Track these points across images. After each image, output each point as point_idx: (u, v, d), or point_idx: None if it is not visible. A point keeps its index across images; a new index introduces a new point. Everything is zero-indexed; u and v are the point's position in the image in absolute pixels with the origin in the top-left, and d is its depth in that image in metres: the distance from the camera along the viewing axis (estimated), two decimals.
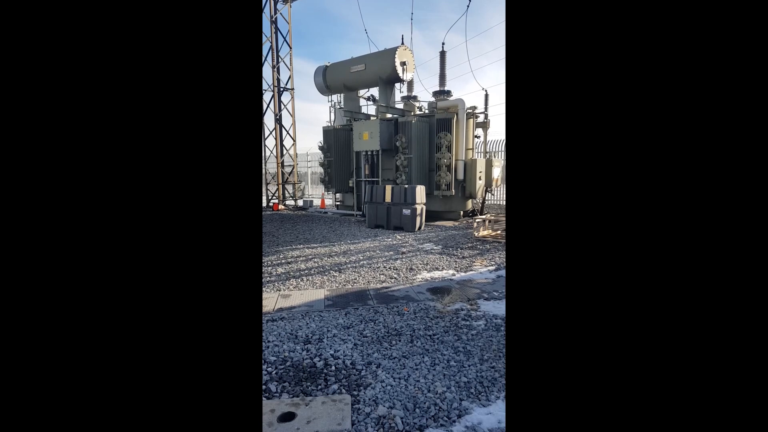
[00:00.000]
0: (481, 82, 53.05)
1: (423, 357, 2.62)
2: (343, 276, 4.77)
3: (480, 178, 9.79)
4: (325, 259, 5.71)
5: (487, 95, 10.65)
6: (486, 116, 10.45)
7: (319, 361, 2.57)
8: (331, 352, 2.71)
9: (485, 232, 7.54)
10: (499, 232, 7.82)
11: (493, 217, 8.19)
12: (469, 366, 2.51)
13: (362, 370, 2.46)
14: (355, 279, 4.64)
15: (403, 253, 6.09)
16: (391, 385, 2.27)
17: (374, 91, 11.79)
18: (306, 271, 5.00)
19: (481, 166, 9.80)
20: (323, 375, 2.40)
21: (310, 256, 5.88)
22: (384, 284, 4.44)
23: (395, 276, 4.77)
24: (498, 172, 10.39)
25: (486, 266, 5.24)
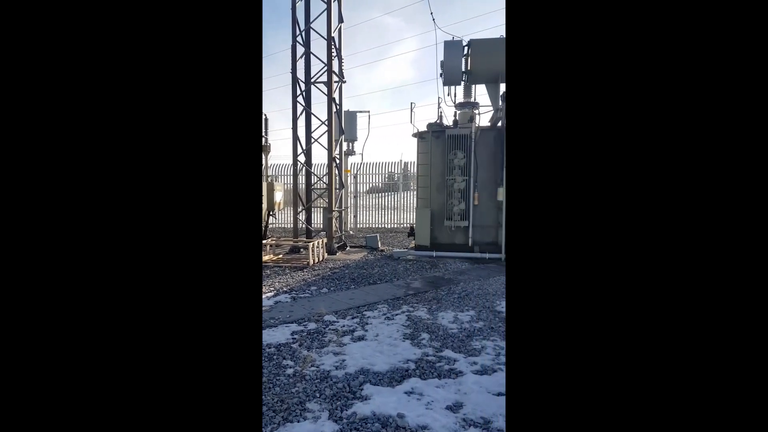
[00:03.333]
0: (262, 107, 53.37)
1: None
2: None
3: (262, 202, 9.64)
4: None
5: (266, 119, 10.68)
6: (266, 140, 10.45)
7: None
8: None
9: (266, 258, 7.42)
10: (280, 255, 7.83)
11: (274, 241, 8.15)
12: None
13: None
14: None
15: None
16: None
17: None
18: None
19: (263, 189, 9.67)
20: None
21: None
22: None
23: None
24: (280, 195, 10.47)
25: (265, 293, 5.12)
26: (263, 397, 2.46)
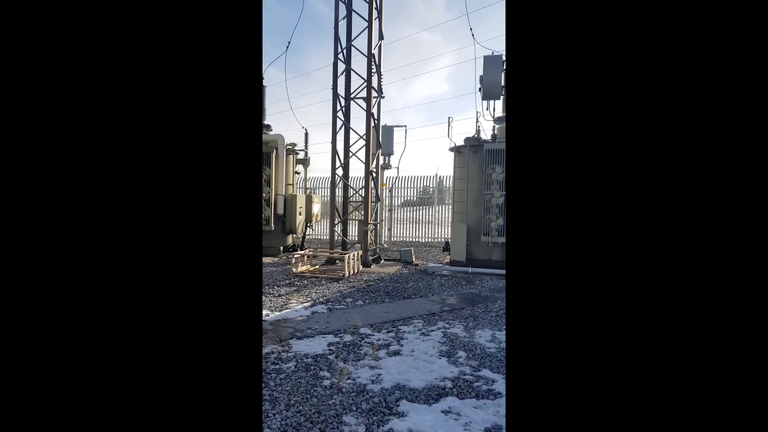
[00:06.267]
0: (303, 121, 54.73)
1: None
2: None
3: (300, 214, 9.88)
4: None
5: (306, 133, 11.02)
6: (306, 153, 10.76)
7: None
8: None
9: (303, 268, 7.57)
10: (317, 267, 7.96)
11: (311, 252, 8.31)
12: (273, 415, 2.37)
13: None
14: None
15: None
16: None
17: None
18: None
19: (301, 201, 9.92)
20: None
21: None
22: None
23: None
24: (317, 207, 10.70)
25: (302, 303, 5.21)
26: (301, 407, 2.49)
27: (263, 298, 5.41)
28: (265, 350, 3.46)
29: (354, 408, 2.51)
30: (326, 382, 2.86)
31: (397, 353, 3.49)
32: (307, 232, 11.23)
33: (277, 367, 3.11)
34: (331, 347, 3.59)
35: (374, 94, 8.42)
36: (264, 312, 4.73)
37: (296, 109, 28.40)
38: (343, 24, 8.47)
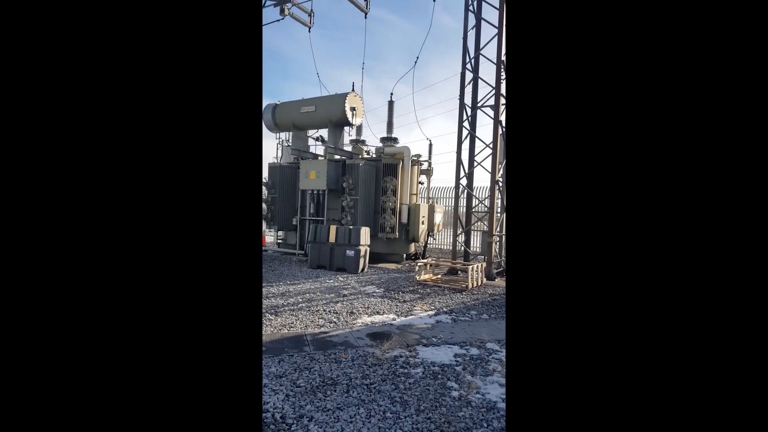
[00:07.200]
0: (426, 132, 55.95)
1: (358, 408, 2.51)
2: (279, 319, 4.55)
3: (423, 223, 10.06)
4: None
5: (431, 144, 11.22)
6: (430, 164, 10.94)
7: None
8: None
9: (426, 276, 7.66)
10: (439, 276, 7.98)
11: (434, 261, 8.36)
12: (405, 417, 2.44)
13: (293, 424, 2.30)
14: (292, 323, 4.44)
15: (344, 295, 5.96)
16: None
17: (323, 132, 11.96)
18: None
19: (424, 211, 10.11)
20: None
21: None
22: (322, 329, 4.29)
23: (335, 320, 4.63)
24: (439, 217, 10.76)
25: (426, 311, 5.27)
26: (430, 414, 2.51)
27: (389, 302, 5.64)
28: (393, 353, 3.59)
29: (485, 424, 2.43)
30: (454, 393, 2.83)
31: None
32: (429, 241, 11.36)
33: (406, 371, 3.19)
34: (458, 358, 3.54)
35: (503, 101, 8.15)
36: (391, 316, 4.93)
37: (420, 120, 29.14)
38: (471, 34, 8.44)
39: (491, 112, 8.13)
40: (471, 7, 8.39)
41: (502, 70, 8.00)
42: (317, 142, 12.20)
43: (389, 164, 9.68)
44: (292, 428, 2.25)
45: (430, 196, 12.00)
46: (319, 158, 10.85)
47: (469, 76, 8.52)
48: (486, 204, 8.46)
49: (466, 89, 8.51)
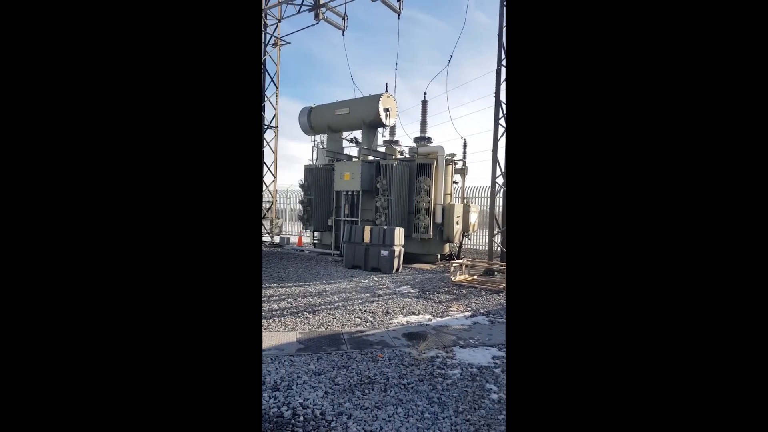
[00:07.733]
0: (460, 131, 55.27)
1: (396, 408, 2.52)
2: (316, 318, 4.63)
3: (457, 223, 9.94)
4: (299, 299, 5.56)
5: (465, 143, 11.06)
6: (464, 163, 10.79)
7: (287, 410, 2.43)
8: (300, 400, 2.57)
9: (462, 277, 7.56)
10: (475, 277, 7.85)
11: (469, 262, 8.24)
12: (443, 419, 2.42)
13: (332, 421, 2.34)
14: (329, 321, 4.51)
15: (379, 295, 5.99)
16: None
17: (357, 134, 12.08)
18: (278, 312, 4.83)
19: (458, 210, 9.99)
20: (290, 426, 2.26)
21: (283, 296, 5.71)
22: (359, 328, 4.33)
23: (371, 319, 4.66)
24: (474, 217, 10.59)
25: (462, 312, 5.21)
26: (469, 416, 2.47)
27: (425, 302, 5.62)
28: (429, 354, 3.57)
29: None
30: (494, 396, 2.78)
31: None
32: (464, 242, 11.21)
33: (443, 372, 3.16)
34: (496, 360, 3.47)
35: None
36: (426, 317, 4.90)
37: (455, 119, 28.89)
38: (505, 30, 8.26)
39: None
40: (506, 3, 8.21)
41: None
42: (351, 144, 12.34)
43: (423, 164, 9.64)
44: (332, 425, 2.29)
45: (465, 195, 11.83)
46: (353, 159, 10.97)
47: (504, 72, 8.34)
48: None
49: (501, 86, 8.34)
